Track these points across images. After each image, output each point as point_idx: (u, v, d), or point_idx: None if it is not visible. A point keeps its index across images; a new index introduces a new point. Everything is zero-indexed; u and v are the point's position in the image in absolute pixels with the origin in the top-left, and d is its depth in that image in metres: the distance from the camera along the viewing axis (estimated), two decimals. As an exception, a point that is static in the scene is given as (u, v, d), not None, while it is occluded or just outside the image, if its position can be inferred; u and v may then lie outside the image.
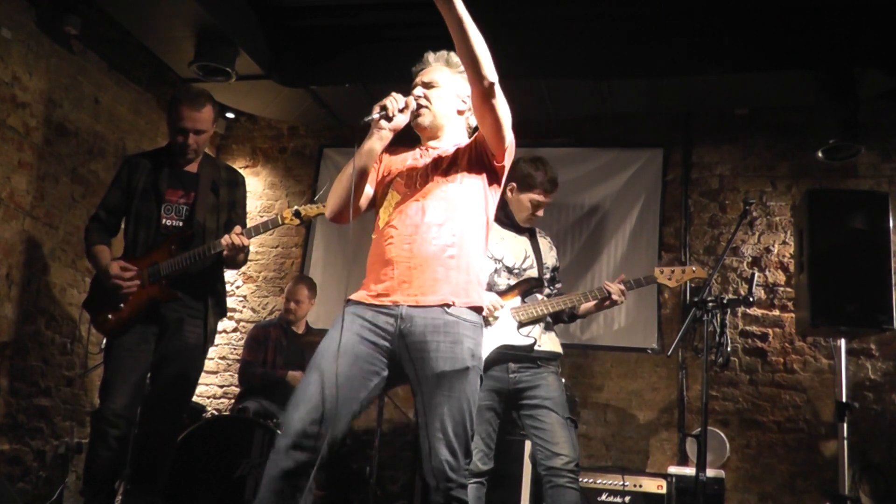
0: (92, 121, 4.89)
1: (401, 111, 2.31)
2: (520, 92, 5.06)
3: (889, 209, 4.13)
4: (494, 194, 2.41)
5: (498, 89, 2.20)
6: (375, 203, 2.44)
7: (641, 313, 5.18)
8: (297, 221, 3.32)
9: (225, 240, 3.25)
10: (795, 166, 5.21)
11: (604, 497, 4.15)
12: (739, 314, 5.07)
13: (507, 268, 3.30)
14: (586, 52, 4.78)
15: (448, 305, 2.21)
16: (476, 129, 2.45)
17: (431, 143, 2.45)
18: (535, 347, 3.22)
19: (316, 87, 5.26)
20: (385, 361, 2.23)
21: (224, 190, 3.47)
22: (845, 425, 4.07)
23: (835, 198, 4.33)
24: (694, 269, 3.50)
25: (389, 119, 2.30)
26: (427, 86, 2.42)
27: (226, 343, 5.87)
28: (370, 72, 5.02)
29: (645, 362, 5.15)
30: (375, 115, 2.29)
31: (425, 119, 2.41)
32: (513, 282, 3.30)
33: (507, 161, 2.39)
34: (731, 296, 4.47)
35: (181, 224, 3.36)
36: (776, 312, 5.04)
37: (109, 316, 3.28)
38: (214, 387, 5.79)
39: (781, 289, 5.06)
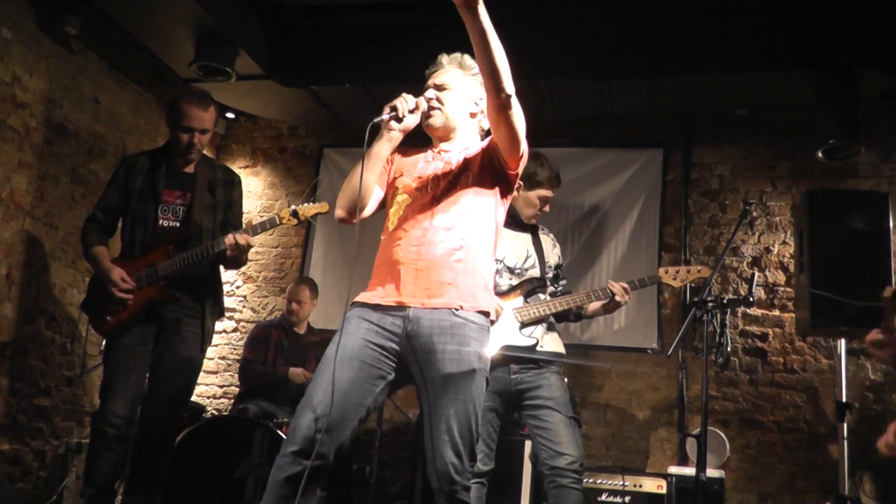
0: (92, 121, 4.89)
1: (411, 112, 2.31)
2: (520, 92, 5.06)
3: (889, 209, 4.13)
4: (505, 200, 2.41)
5: (515, 100, 2.19)
6: (385, 204, 2.43)
7: (641, 313, 5.18)
8: (295, 221, 3.32)
9: (228, 239, 3.25)
10: (795, 166, 5.21)
11: (604, 497, 4.15)
12: (739, 314, 5.07)
13: (508, 268, 3.29)
14: (586, 52, 4.78)
15: (456, 309, 2.21)
16: (488, 132, 2.44)
17: (443, 146, 2.43)
18: (538, 348, 3.21)
19: (316, 87, 5.26)
20: (392, 364, 2.23)
21: (220, 190, 3.47)
22: (845, 425, 4.07)
23: (835, 198, 4.33)
24: (699, 269, 3.47)
25: (399, 120, 2.30)
26: (439, 88, 2.41)
27: (226, 343, 5.87)
28: (370, 72, 5.02)
29: (645, 363, 5.15)
30: (385, 116, 2.29)
31: (437, 120, 2.39)
32: (515, 282, 3.29)
33: (521, 169, 2.39)
34: (731, 296, 4.47)
35: (178, 225, 3.36)
36: (776, 312, 5.04)
37: (108, 317, 3.29)
38: (214, 387, 5.79)
39: (781, 289, 5.06)
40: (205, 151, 3.55)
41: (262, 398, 4.45)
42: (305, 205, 3.34)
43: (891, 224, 4.11)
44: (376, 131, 2.34)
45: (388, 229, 2.35)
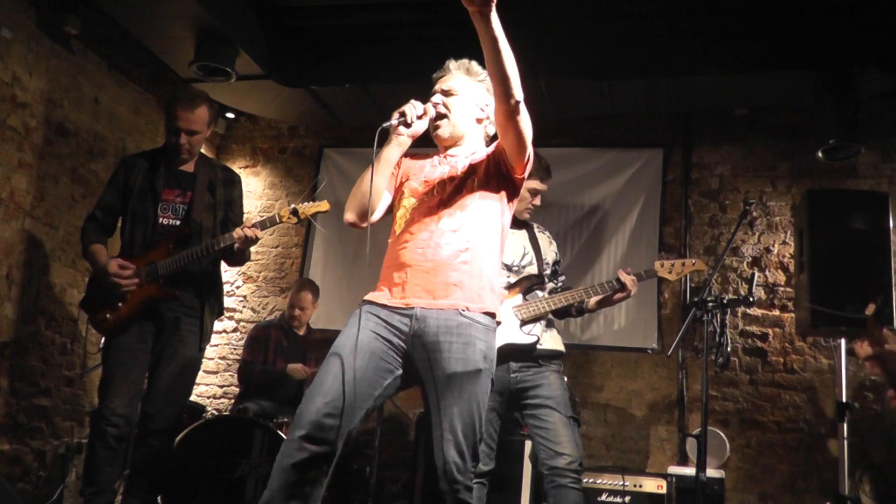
0: (92, 121, 4.89)
1: (419, 118, 2.32)
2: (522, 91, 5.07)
3: (889, 209, 4.13)
4: (511, 204, 2.42)
5: (523, 106, 2.21)
6: (393, 209, 2.44)
7: (641, 313, 5.18)
8: (295, 220, 3.31)
9: (237, 233, 3.25)
10: (795, 166, 5.21)
11: (604, 497, 4.15)
12: (739, 314, 5.07)
13: (505, 266, 3.28)
14: (586, 52, 4.78)
15: (462, 310, 2.22)
16: (493, 137, 2.46)
17: (450, 151, 2.45)
18: (537, 346, 3.20)
19: (316, 88, 5.26)
20: (399, 360, 2.24)
21: (220, 189, 3.47)
22: (845, 425, 4.07)
23: (835, 198, 4.33)
24: (694, 262, 3.45)
25: (408, 125, 2.31)
26: (446, 93, 2.42)
27: (226, 343, 5.87)
28: (370, 72, 5.02)
29: (645, 362, 5.15)
30: (394, 122, 2.30)
31: (444, 131, 2.41)
32: (513, 279, 3.29)
33: (527, 173, 2.40)
34: (731, 296, 4.47)
35: (178, 223, 3.36)
36: (776, 312, 5.04)
37: (107, 315, 3.29)
38: (214, 387, 5.79)
39: (781, 289, 5.06)
40: (204, 151, 3.55)
41: (263, 398, 4.45)
42: (305, 204, 3.34)
43: (891, 224, 4.11)
44: (385, 136, 2.35)
45: (395, 233, 2.37)
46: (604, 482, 4.18)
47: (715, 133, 5.42)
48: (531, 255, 3.36)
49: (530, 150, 2.33)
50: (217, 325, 5.78)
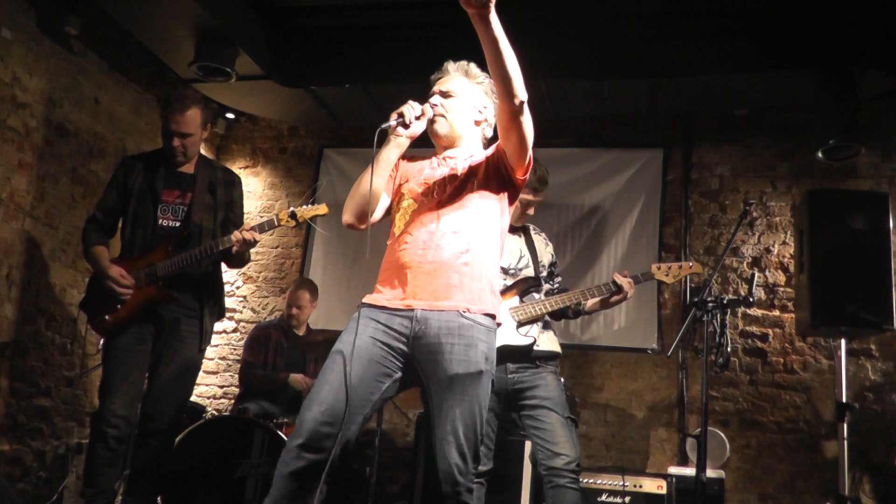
0: (92, 121, 4.89)
1: (417, 119, 2.32)
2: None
3: (889, 209, 4.13)
4: (510, 205, 2.42)
5: (526, 107, 2.21)
6: (391, 210, 2.44)
7: (641, 313, 5.18)
8: (294, 223, 3.31)
9: (235, 235, 3.24)
10: (795, 166, 5.21)
11: (604, 497, 4.15)
12: (739, 314, 5.07)
13: (502, 268, 3.28)
14: (586, 52, 4.78)
15: (463, 311, 2.22)
16: (491, 140, 2.46)
17: (448, 153, 2.44)
18: (534, 347, 3.20)
19: (316, 88, 5.26)
20: (399, 364, 2.24)
21: (220, 190, 3.47)
22: (845, 426, 4.07)
23: (835, 198, 4.33)
24: (691, 264, 3.45)
25: (406, 126, 2.31)
26: (445, 95, 2.42)
27: (226, 343, 5.87)
28: (370, 72, 5.02)
29: (645, 362, 5.15)
30: (392, 122, 2.30)
31: (441, 128, 2.40)
32: (509, 282, 3.29)
33: (528, 175, 2.41)
34: (731, 296, 4.48)
35: (178, 224, 3.36)
36: (776, 313, 5.04)
37: (107, 316, 3.29)
38: (214, 387, 5.79)
39: (781, 289, 5.06)
40: (204, 152, 3.55)
41: (263, 398, 4.45)
42: (304, 207, 3.34)
43: (891, 224, 4.11)
44: (383, 137, 2.34)
45: (393, 234, 2.36)
46: (604, 482, 4.18)
47: (715, 133, 5.42)
48: (528, 257, 3.37)
49: (531, 152, 2.33)
50: (217, 326, 5.74)
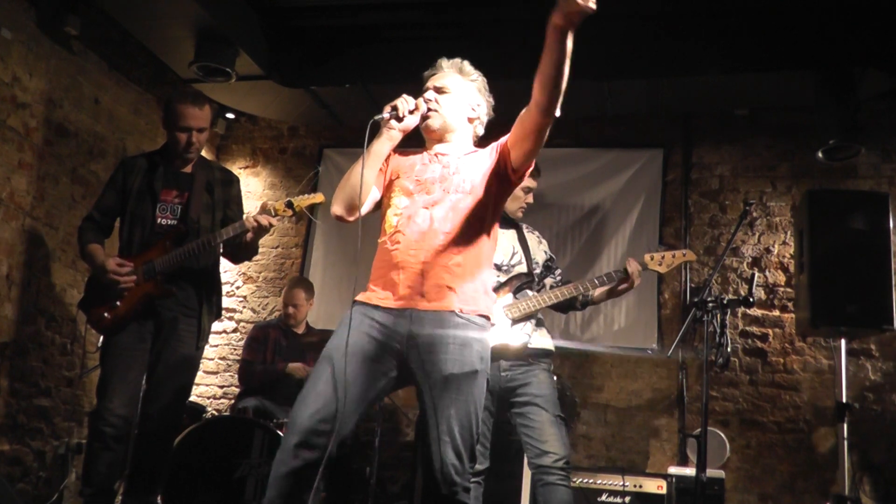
0: (92, 121, 4.89)
1: (411, 112, 2.32)
2: (520, 92, 5.06)
3: (889, 209, 4.13)
4: (501, 205, 2.42)
5: None
6: (381, 205, 2.42)
7: (641, 313, 5.18)
8: (290, 212, 3.30)
9: (249, 220, 3.24)
10: (795, 167, 5.21)
11: (604, 497, 4.15)
12: (739, 314, 5.07)
13: (495, 265, 3.28)
14: (586, 52, 4.74)
15: (457, 311, 2.22)
16: (482, 138, 2.47)
17: (440, 149, 2.43)
18: (528, 345, 3.21)
19: (316, 88, 5.26)
20: (394, 362, 2.23)
21: (219, 189, 3.48)
22: (845, 426, 4.07)
23: (835, 198, 4.33)
24: (684, 252, 3.42)
25: (400, 119, 2.31)
26: (439, 90, 2.41)
27: (226, 343, 5.87)
28: (370, 72, 5.02)
29: (645, 363, 5.15)
30: (386, 115, 2.30)
31: (435, 122, 2.39)
32: (502, 279, 3.28)
33: (524, 177, 2.41)
34: (731, 296, 4.48)
35: (176, 222, 3.37)
36: (776, 313, 5.04)
37: (105, 314, 3.29)
38: (214, 387, 5.79)
39: (781, 289, 5.06)
40: (204, 152, 3.56)
41: (262, 397, 4.45)
42: (301, 196, 3.33)
43: (891, 224, 4.11)
44: (376, 129, 2.34)
45: (385, 231, 2.34)
46: (604, 482, 4.17)
47: (715, 133, 5.42)
48: (520, 254, 3.36)
49: None
50: (217, 326, 5.79)
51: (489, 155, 2.38)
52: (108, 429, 3.17)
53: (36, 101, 4.44)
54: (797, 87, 4.73)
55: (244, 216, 3.38)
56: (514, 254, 3.35)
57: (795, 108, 5.14)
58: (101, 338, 3.39)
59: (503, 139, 2.37)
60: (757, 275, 5.01)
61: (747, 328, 5.05)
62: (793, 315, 4.89)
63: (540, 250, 3.46)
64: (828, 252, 4.10)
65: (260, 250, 5.90)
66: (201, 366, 5.73)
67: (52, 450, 4.61)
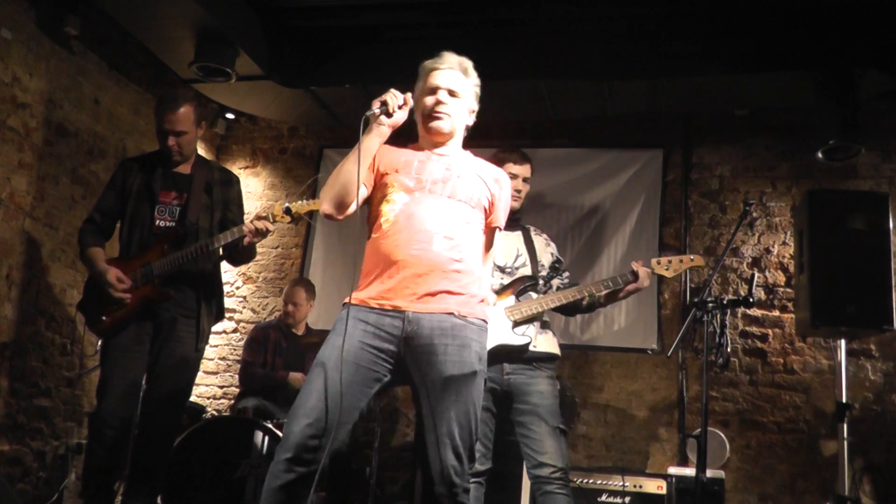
0: (92, 121, 4.89)
1: (400, 108, 2.31)
2: (520, 92, 5.07)
3: (889, 210, 4.13)
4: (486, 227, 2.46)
5: None
6: (373, 200, 2.39)
7: (641, 314, 5.18)
8: (288, 218, 3.30)
9: (247, 225, 3.24)
10: (795, 167, 5.21)
11: (604, 498, 4.15)
12: (739, 315, 5.06)
13: (498, 267, 3.26)
14: (586, 52, 4.77)
15: (455, 314, 2.22)
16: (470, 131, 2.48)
17: (438, 150, 2.42)
18: (531, 348, 3.17)
19: (316, 88, 5.25)
20: (388, 367, 2.21)
21: (217, 189, 3.47)
22: (845, 426, 4.07)
23: (835, 198, 4.32)
24: (692, 257, 3.39)
25: (389, 115, 2.30)
26: (452, 94, 2.38)
27: (226, 343, 5.86)
28: (370, 72, 5.02)
29: (645, 363, 5.15)
30: (376, 111, 2.28)
31: (445, 125, 2.38)
32: (506, 281, 3.26)
33: None
34: (731, 296, 4.44)
35: (174, 224, 3.36)
36: (776, 313, 5.04)
37: (104, 317, 3.29)
38: (214, 387, 5.79)
39: (781, 289, 5.06)
40: (203, 153, 3.55)
41: (262, 398, 4.44)
42: (299, 202, 3.33)
43: (891, 225, 4.11)
44: (366, 125, 2.33)
45: (380, 226, 2.29)
46: (604, 483, 4.17)
47: (715, 133, 5.41)
48: (525, 256, 3.34)
49: None
50: (217, 326, 5.75)
51: (488, 185, 2.41)
52: (108, 430, 3.17)
53: (36, 101, 4.44)
54: (797, 87, 4.73)
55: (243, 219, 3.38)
56: (518, 256, 3.33)
57: (795, 108, 5.14)
58: (101, 339, 3.39)
59: (496, 204, 2.44)
60: (757, 275, 5.01)
61: (747, 328, 5.05)
62: (793, 315, 4.89)
63: (547, 253, 3.43)
64: (828, 252, 4.09)
65: (260, 250, 5.91)
66: (201, 366, 5.75)
67: (52, 450, 4.61)
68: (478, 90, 2.45)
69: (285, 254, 5.97)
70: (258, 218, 3.25)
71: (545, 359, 3.24)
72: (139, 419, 3.31)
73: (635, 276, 3.27)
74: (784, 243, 5.12)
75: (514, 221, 3.38)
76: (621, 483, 4.14)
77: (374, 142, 2.33)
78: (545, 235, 3.51)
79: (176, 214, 3.38)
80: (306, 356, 4.66)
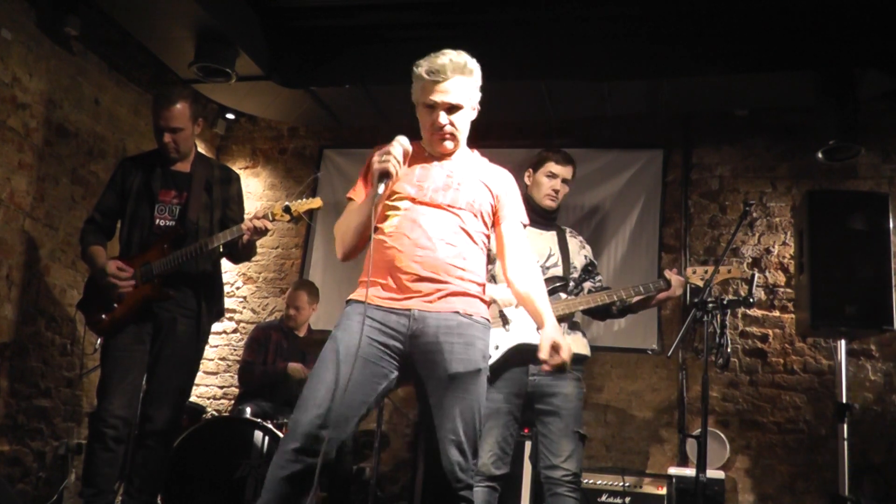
0: (92, 122, 4.89)
1: (401, 165, 2.25)
2: (520, 92, 5.07)
3: (889, 210, 4.13)
4: (489, 234, 2.44)
5: None
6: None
7: (641, 314, 5.07)
8: (288, 217, 3.30)
9: (247, 224, 3.24)
10: (795, 167, 5.21)
11: (604, 498, 4.15)
12: (739, 315, 5.07)
13: None
14: (586, 52, 4.78)
15: (460, 312, 2.23)
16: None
17: (443, 157, 2.40)
18: None
19: (316, 88, 5.26)
20: (394, 363, 2.22)
21: (217, 188, 3.47)
22: (845, 426, 4.07)
23: (835, 199, 4.33)
24: (729, 268, 3.34)
25: (395, 176, 2.24)
26: (453, 109, 2.32)
27: (226, 344, 5.86)
28: (370, 72, 5.02)
29: (645, 363, 5.15)
30: (381, 190, 2.20)
31: (450, 144, 2.36)
32: None
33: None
34: (731, 297, 4.46)
35: (174, 224, 3.36)
36: (776, 313, 5.04)
37: (103, 316, 3.29)
38: (214, 388, 5.79)
39: (781, 290, 5.06)
40: (203, 151, 3.56)
41: (262, 399, 4.45)
42: (298, 201, 3.33)
43: (891, 225, 4.11)
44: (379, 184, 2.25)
45: (384, 230, 2.30)
46: (604, 483, 4.18)
47: (715, 134, 5.42)
48: (557, 256, 3.29)
49: None
50: (217, 326, 5.78)
51: (490, 187, 2.39)
52: (108, 430, 3.17)
53: (36, 101, 4.44)
54: (797, 87, 4.73)
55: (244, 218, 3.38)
56: (550, 255, 3.29)
57: (795, 108, 5.14)
58: (100, 339, 3.39)
59: (503, 202, 2.41)
60: (757, 275, 5.01)
61: (747, 329, 5.05)
62: (793, 315, 4.89)
63: (580, 255, 3.39)
64: (828, 252, 4.10)
65: (260, 251, 5.91)
66: (201, 366, 5.75)
67: (52, 450, 4.61)
68: (478, 79, 2.39)
69: (285, 254, 5.97)
70: (257, 217, 3.26)
71: (572, 360, 3.20)
72: (139, 419, 3.31)
73: (668, 284, 3.22)
74: (784, 243, 5.12)
75: (549, 221, 3.37)
76: (621, 483, 4.14)
77: (383, 198, 2.28)
78: (580, 238, 3.48)
79: (176, 213, 3.38)
80: (307, 356, 4.66)
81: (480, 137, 2.50)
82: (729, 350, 3.16)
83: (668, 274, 3.25)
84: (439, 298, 2.22)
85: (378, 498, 4.50)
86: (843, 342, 4.21)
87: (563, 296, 3.23)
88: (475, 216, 2.33)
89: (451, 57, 2.31)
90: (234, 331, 5.88)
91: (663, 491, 4.10)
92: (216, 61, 4.64)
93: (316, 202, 3.33)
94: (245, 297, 5.94)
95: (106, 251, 3.41)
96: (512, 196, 2.45)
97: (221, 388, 5.77)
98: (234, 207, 3.52)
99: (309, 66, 5.11)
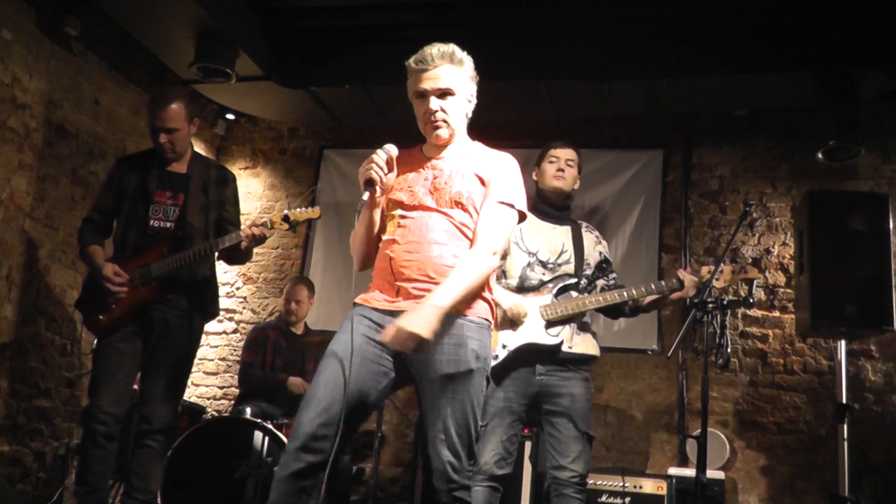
0: (92, 122, 4.89)
1: (387, 174, 2.27)
2: (519, 92, 5.07)
3: (889, 210, 4.13)
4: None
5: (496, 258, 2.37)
6: (382, 212, 2.41)
7: (641, 315, 5.15)
8: (286, 226, 3.33)
9: (245, 231, 3.26)
10: (795, 168, 5.21)
11: (604, 498, 4.15)
12: (739, 315, 5.06)
13: (540, 262, 3.17)
14: (586, 53, 4.78)
15: (454, 312, 2.21)
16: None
17: (437, 154, 2.39)
18: (565, 349, 3.08)
19: (316, 89, 5.26)
20: (392, 362, 2.24)
21: (213, 188, 3.48)
22: (845, 426, 4.07)
23: (835, 199, 4.33)
24: (746, 269, 3.28)
25: (380, 184, 2.26)
26: (444, 94, 2.31)
27: (226, 344, 5.86)
28: (370, 73, 5.02)
29: (645, 363, 5.15)
30: (365, 198, 2.25)
31: (444, 132, 2.34)
32: (546, 276, 3.16)
33: None
34: (731, 297, 4.46)
35: (169, 225, 3.37)
36: (776, 314, 5.04)
37: (101, 316, 3.30)
38: (214, 388, 5.78)
39: (781, 290, 5.06)
40: (203, 151, 3.56)
41: (262, 399, 4.44)
42: (297, 210, 3.34)
43: (891, 225, 4.11)
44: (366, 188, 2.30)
45: (381, 238, 2.36)
46: (604, 483, 4.17)
47: (715, 134, 5.41)
48: (570, 252, 3.24)
49: None
50: (217, 326, 5.79)
51: (481, 175, 2.34)
52: (99, 426, 3.19)
53: (36, 101, 4.44)
54: (797, 87, 4.73)
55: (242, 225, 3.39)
56: (562, 252, 3.22)
57: (795, 108, 5.14)
58: (95, 339, 3.41)
59: (490, 184, 2.34)
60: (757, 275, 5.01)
61: (747, 329, 5.05)
62: (793, 316, 4.89)
63: (595, 251, 3.33)
64: (828, 253, 4.10)
65: (260, 251, 5.92)
66: (201, 367, 5.75)
67: (52, 451, 4.61)
68: (471, 71, 2.37)
69: (285, 254, 5.97)
70: (256, 224, 3.26)
71: (580, 360, 3.14)
72: (136, 420, 3.32)
73: (681, 284, 3.20)
74: (784, 244, 5.12)
75: (563, 215, 3.32)
76: (621, 484, 4.13)
77: (375, 211, 2.35)
78: (596, 233, 3.42)
79: (170, 214, 3.38)
80: (306, 355, 4.66)
81: (480, 137, 2.49)
82: (729, 350, 3.16)
83: (681, 274, 3.22)
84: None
85: (378, 498, 4.50)
86: (843, 342, 4.21)
87: (574, 294, 3.18)
88: (465, 211, 2.30)
89: (439, 47, 2.32)
90: (234, 331, 5.88)
91: (663, 491, 4.10)
92: (216, 61, 4.64)
93: (314, 212, 3.35)
94: (245, 298, 5.93)
95: (104, 250, 3.42)
96: (499, 177, 2.35)
97: (221, 388, 5.77)
98: (231, 209, 3.53)
99: (309, 67, 5.11)
